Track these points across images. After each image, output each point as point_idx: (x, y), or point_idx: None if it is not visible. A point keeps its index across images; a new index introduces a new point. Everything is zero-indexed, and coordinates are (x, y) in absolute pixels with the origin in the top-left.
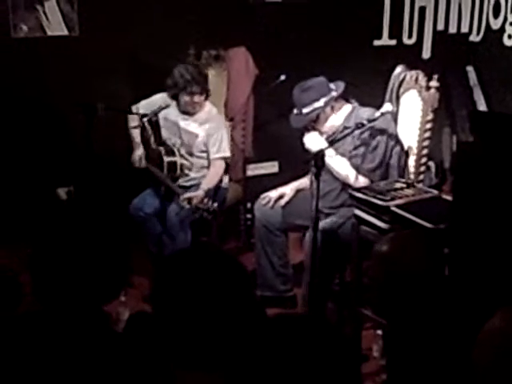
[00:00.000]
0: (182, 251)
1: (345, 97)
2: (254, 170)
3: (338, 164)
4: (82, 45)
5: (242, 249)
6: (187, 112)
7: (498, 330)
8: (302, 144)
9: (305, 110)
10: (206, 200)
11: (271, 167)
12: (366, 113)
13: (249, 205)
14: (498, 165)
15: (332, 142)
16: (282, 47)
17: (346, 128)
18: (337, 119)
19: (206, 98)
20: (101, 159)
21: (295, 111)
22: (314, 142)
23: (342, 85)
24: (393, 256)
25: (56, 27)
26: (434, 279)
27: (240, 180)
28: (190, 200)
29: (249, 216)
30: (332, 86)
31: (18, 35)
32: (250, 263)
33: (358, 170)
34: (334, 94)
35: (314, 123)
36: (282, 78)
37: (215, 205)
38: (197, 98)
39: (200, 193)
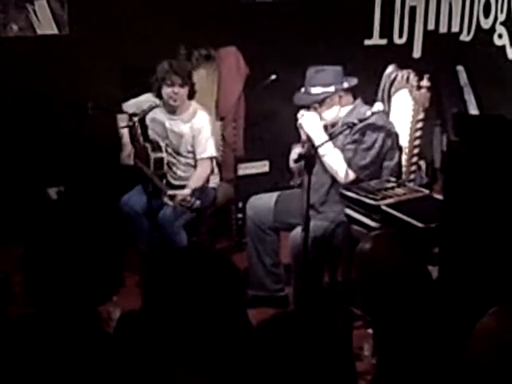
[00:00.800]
0: (173, 251)
1: (354, 93)
2: (245, 169)
3: (330, 155)
4: (72, 44)
5: (233, 248)
6: (173, 111)
7: (489, 329)
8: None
9: (313, 91)
10: (189, 198)
11: (262, 167)
12: (366, 111)
13: (240, 204)
14: (489, 164)
15: (330, 138)
16: (273, 47)
17: (345, 125)
18: (340, 111)
19: (191, 97)
20: (91, 158)
21: (303, 90)
22: (310, 121)
23: (355, 80)
24: (372, 255)
25: (46, 26)
26: (416, 278)
27: (231, 179)
28: (173, 197)
29: (240, 215)
30: (345, 78)
31: (7, 34)
32: (242, 263)
33: (349, 164)
34: (345, 85)
35: (317, 105)
36: (273, 77)
37: (198, 202)
38: (176, 89)
39: (185, 191)
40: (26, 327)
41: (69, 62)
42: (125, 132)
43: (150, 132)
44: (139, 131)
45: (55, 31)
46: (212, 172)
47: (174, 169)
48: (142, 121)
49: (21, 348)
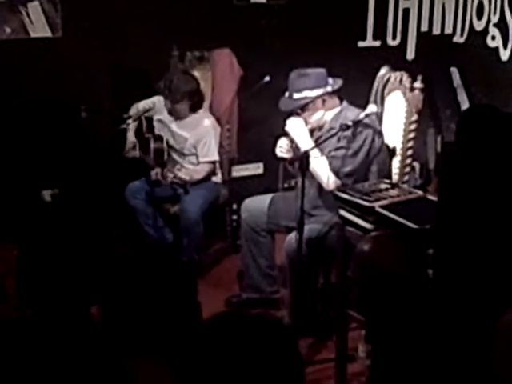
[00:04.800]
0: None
1: (340, 96)
2: (239, 171)
3: (316, 162)
4: (66, 46)
5: (228, 250)
6: (178, 117)
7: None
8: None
9: (295, 96)
10: (181, 175)
11: (256, 168)
12: (353, 114)
13: (234, 206)
14: (483, 165)
15: (316, 143)
16: (267, 48)
17: (332, 129)
18: (325, 116)
19: (195, 109)
20: (85, 160)
21: (286, 94)
22: (295, 127)
23: (339, 82)
24: (372, 255)
25: (39, 29)
26: (414, 279)
27: (225, 181)
28: (163, 175)
29: (234, 217)
30: (330, 80)
31: (0, 37)
32: (236, 264)
33: (335, 171)
34: (329, 88)
35: (301, 111)
36: (267, 79)
37: (187, 178)
38: (171, 105)
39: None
40: (19, 329)
41: (62, 64)
42: (132, 127)
43: (156, 131)
44: (145, 127)
45: (48, 34)
46: (213, 174)
47: (179, 167)
48: (150, 121)
49: (13, 350)
